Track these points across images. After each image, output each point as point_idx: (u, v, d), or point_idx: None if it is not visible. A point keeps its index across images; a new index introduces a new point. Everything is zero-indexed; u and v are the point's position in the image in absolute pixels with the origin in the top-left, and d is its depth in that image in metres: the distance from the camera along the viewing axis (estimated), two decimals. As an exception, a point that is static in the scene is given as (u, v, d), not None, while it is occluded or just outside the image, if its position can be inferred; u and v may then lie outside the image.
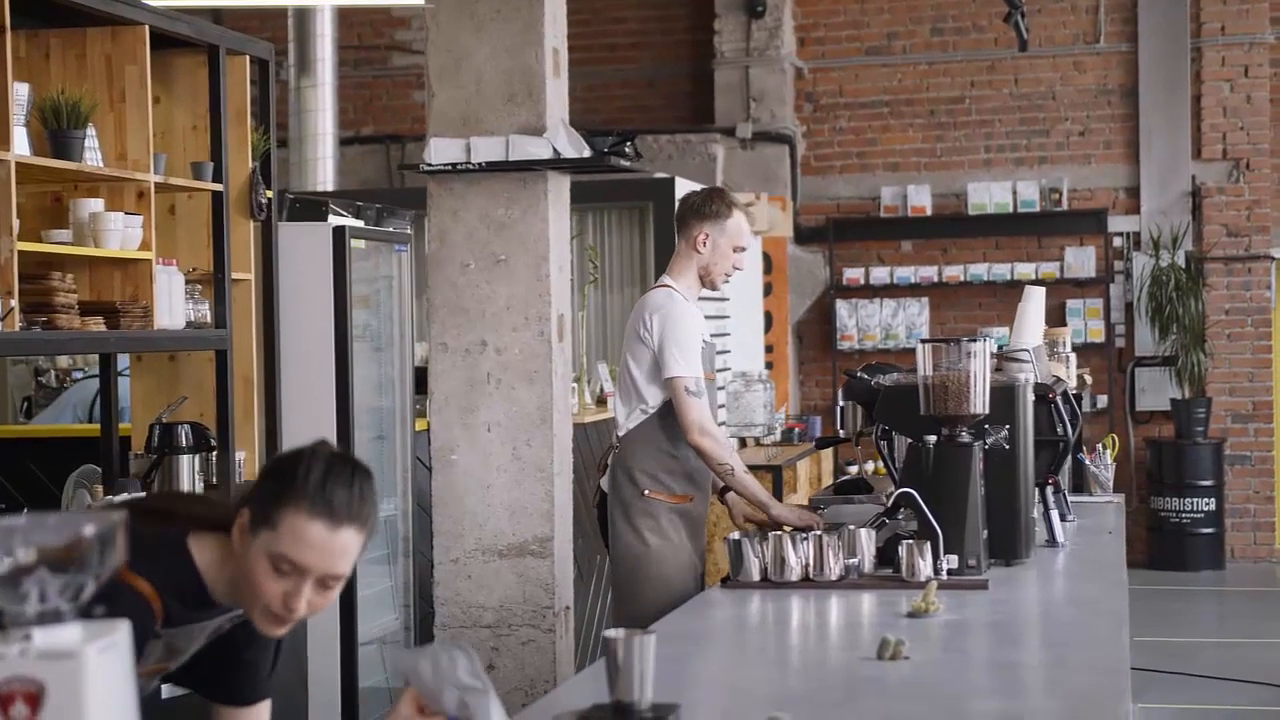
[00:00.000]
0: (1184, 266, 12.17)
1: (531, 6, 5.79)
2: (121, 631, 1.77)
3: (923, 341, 4.41)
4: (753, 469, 8.93)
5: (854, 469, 12.13)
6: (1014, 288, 12.37)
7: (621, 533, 5.17)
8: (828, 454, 11.01)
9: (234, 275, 5.61)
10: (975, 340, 4.38)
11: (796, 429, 10.78)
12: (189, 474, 5.29)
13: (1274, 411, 12.49)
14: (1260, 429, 12.42)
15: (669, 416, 5.14)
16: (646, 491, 5.15)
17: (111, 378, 5.51)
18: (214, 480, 5.48)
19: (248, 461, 5.73)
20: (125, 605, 2.44)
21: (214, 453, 5.46)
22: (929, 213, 12.69)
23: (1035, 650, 3.60)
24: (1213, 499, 12.07)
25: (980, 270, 12.57)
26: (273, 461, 2.69)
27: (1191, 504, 12.05)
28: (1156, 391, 12.39)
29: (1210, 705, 8.13)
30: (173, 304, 5.17)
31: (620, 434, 5.25)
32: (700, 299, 8.12)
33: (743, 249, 5.28)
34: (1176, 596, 11.33)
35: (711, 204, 5.25)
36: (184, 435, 5.30)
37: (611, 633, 2.71)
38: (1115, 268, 12.51)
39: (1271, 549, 12.45)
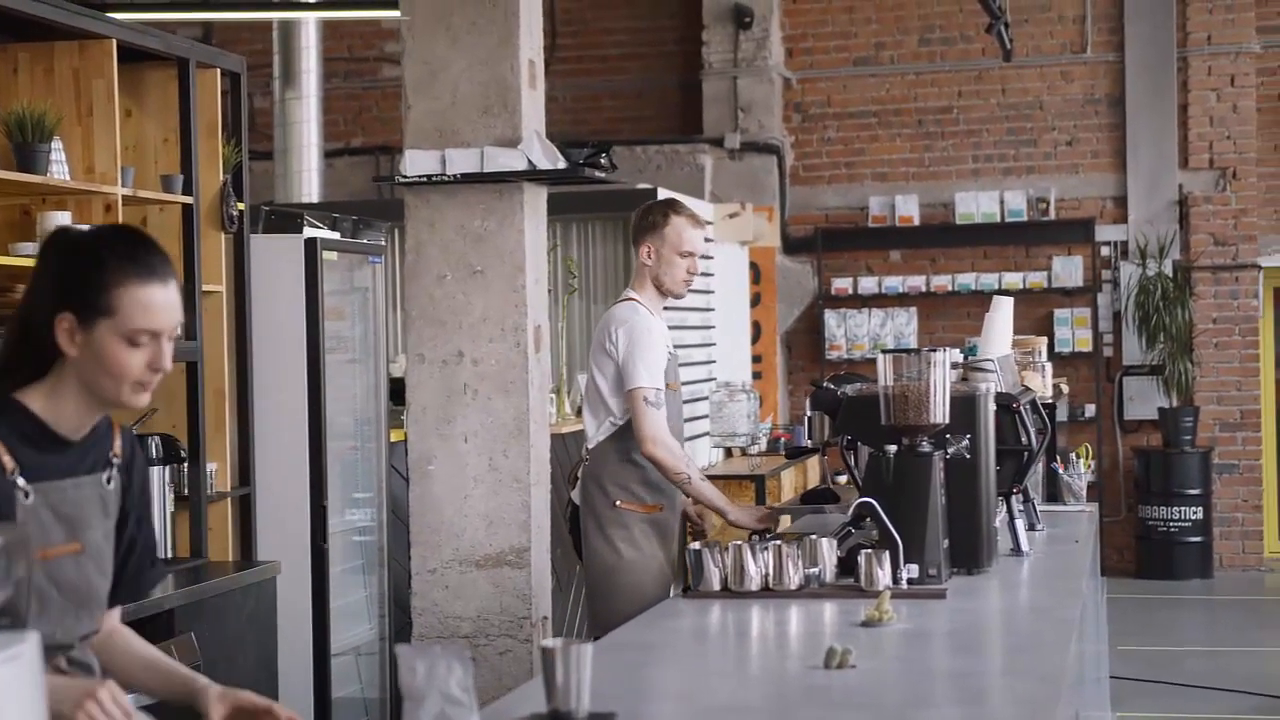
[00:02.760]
0: (1171, 276, 12.19)
1: (507, 19, 5.81)
2: (29, 643, 1.79)
3: (884, 351, 4.43)
4: (736, 479, 9.02)
5: (843, 479, 12.14)
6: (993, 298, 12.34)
7: (594, 544, 5.24)
8: (814, 463, 11.02)
9: (205, 287, 5.63)
10: (935, 350, 4.39)
11: (783, 439, 10.79)
12: (159, 485, 5.31)
13: (1261, 420, 12.50)
14: (1248, 438, 12.43)
15: None
16: (618, 503, 5.23)
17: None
18: (185, 492, 5.50)
19: (219, 473, 5.75)
20: None
21: (184, 464, 5.47)
22: (917, 222, 12.71)
23: (981, 659, 3.61)
24: (1200, 508, 12.07)
25: (968, 280, 12.59)
26: (59, 261, 2.69)
27: (1179, 513, 12.05)
28: (1144, 400, 12.40)
29: (1195, 714, 8.13)
30: (142, 316, 5.18)
31: (590, 446, 5.33)
32: (681, 308, 8.16)
33: (689, 254, 5.34)
34: (1164, 605, 11.33)
35: (649, 216, 5.37)
36: (154, 447, 5.31)
37: (548, 643, 2.73)
38: (1103, 277, 12.53)
39: (1259, 557, 12.46)
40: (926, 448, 4.38)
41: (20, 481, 2.61)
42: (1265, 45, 12.46)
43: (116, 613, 2.92)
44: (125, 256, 2.65)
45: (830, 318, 12.77)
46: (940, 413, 4.36)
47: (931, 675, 3.38)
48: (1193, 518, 12.05)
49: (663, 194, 9.77)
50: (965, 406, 4.51)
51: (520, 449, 5.85)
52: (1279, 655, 9.81)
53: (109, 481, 2.77)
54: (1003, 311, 5.46)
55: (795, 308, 12.88)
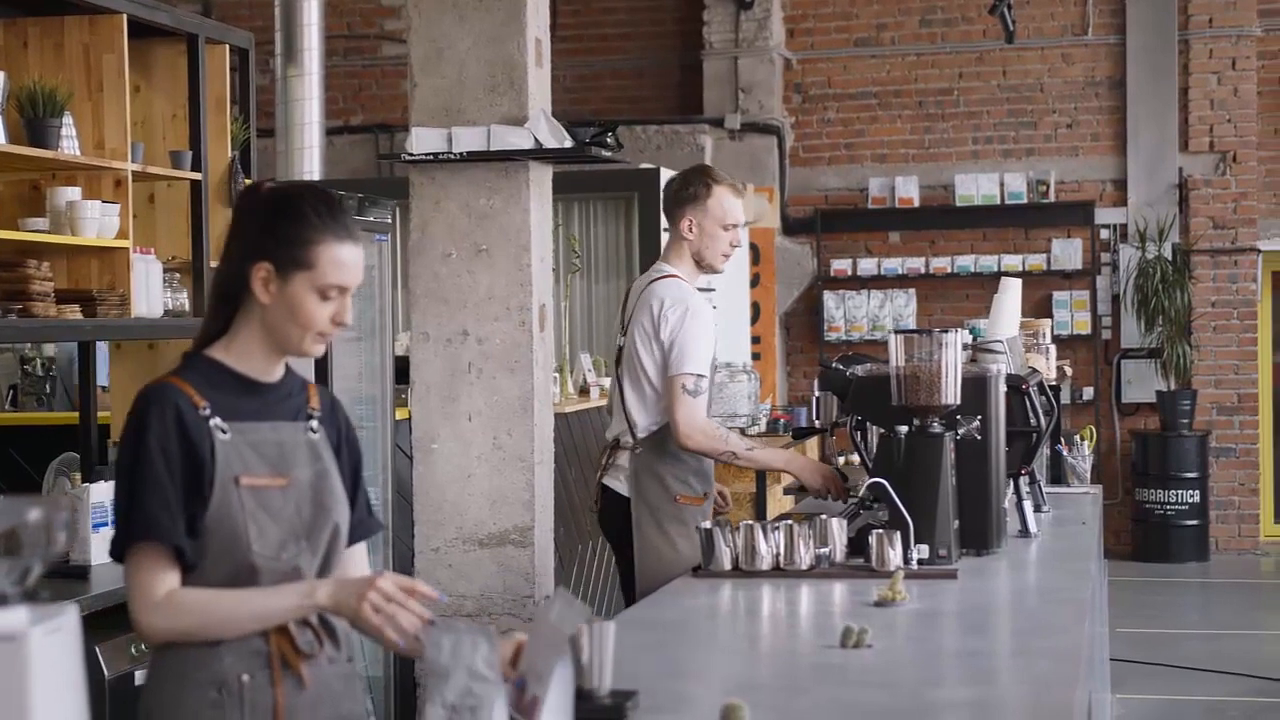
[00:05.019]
0: (1170, 259, 12.20)
1: (515, -3, 5.80)
2: (69, 615, 1.79)
3: (895, 332, 4.42)
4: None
5: (841, 460, 12.16)
6: (1000, 280, 12.36)
7: (651, 538, 5.02)
8: (814, 444, 11.04)
9: (213, 264, 5.62)
10: (947, 331, 4.39)
11: (783, 420, 10.79)
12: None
13: (1259, 404, 12.52)
14: (1245, 421, 12.45)
15: None
16: (678, 497, 5.04)
17: (90, 365, 5.52)
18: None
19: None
20: (149, 392, 2.78)
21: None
22: (916, 204, 12.71)
23: (996, 639, 3.62)
24: (1197, 491, 12.10)
25: (967, 262, 12.59)
26: (260, 214, 2.84)
27: (1176, 496, 12.08)
28: (1142, 383, 12.42)
29: (1192, 696, 8.16)
30: (150, 292, 5.18)
31: (639, 435, 5.09)
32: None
33: (733, 225, 5.12)
34: (1160, 588, 11.37)
35: (689, 186, 5.13)
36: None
37: (571, 620, 2.73)
38: (1102, 260, 12.54)
39: (1255, 541, 12.49)
40: (938, 429, 4.37)
41: (216, 420, 2.77)
42: (1266, 28, 12.46)
43: (357, 557, 3.03)
44: (327, 215, 2.81)
45: (829, 299, 12.77)
46: (952, 394, 4.35)
47: (948, 655, 3.39)
48: (1190, 501, 12.08)
49: (669, 175, 9.77)
50: (976, 387, 4.50)
51: (525, 428, 5.85)
52: (1275, 638, 9.85)
53: (313, 431, 2.90)
54: (1011, 293, 5.46)
55: (794, 289, 12.88)
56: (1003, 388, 4.65)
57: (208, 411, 2.77)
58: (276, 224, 2.80)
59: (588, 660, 2.72)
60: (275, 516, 2.80)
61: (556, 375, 7.77)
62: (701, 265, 5.16)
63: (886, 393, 4.43)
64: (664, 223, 9.71)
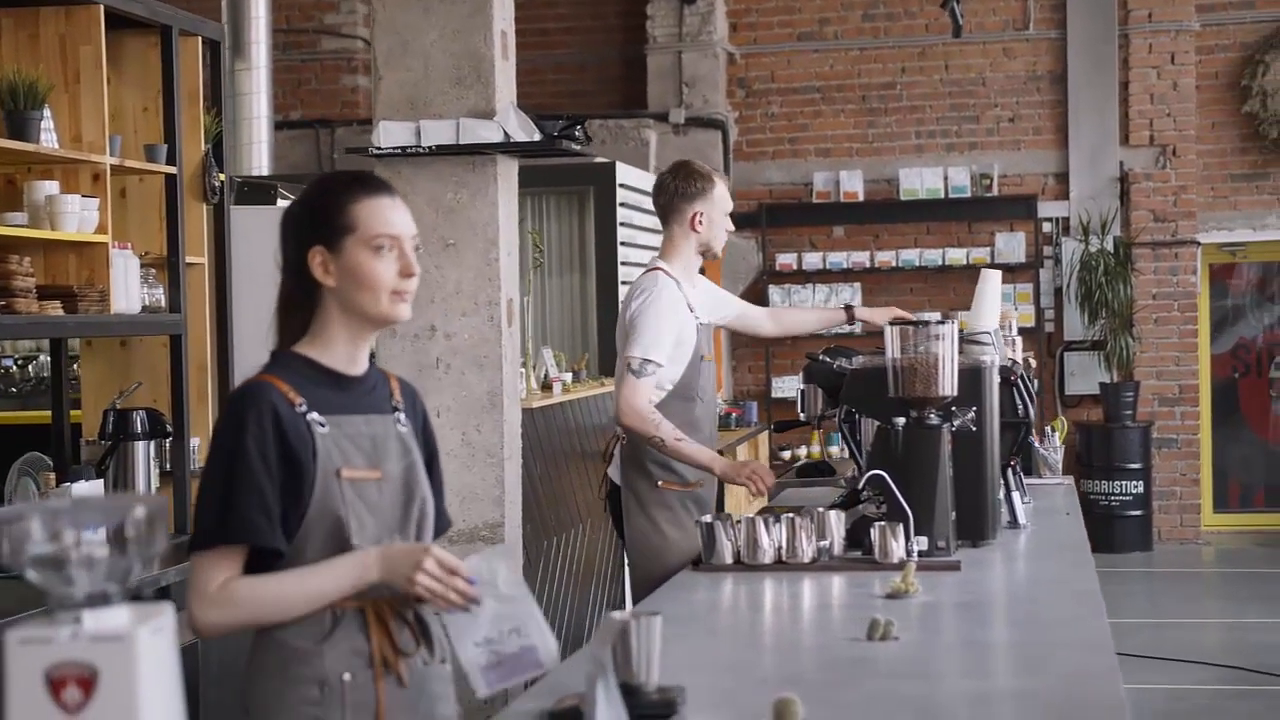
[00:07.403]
0: (1112, 252, 12.30)
1: (479, -11, 5.77)
2: (167, 615, 1.75)
3: (891, 323, 4.42)
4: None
5: (787, 454, 12.20)
6: (945, 273, 12.47)
7: (638, 524, 5.11)
8: (764, 439, 11.05)
9: (187, 259, 5.54)
10: (944, 322, 4.39)
11: (733, 414, 10.81)
12: (144, 460, 5.22)
13: (1200, 395, 12.66)
14: (1186, 412, 12.58)
15: (674, 404, 5.07)
16: (660, 483, 5.11)
17: (63, 362, 5.42)
18: (169, 467, 5.41)
19: (202, 448, 5.66)
20: (245, 392, 2.77)
21: (169, 439, 5.38)
22: (861, 198, 12.75)
23: (1019, 630, 3.61)
24: (1141, 481, 12.21)
25: (912, 255, 12.64)
26: (295, 215, 2.86)
27: (1120, 486, 12.18)
28: (1085, 375, 12.52)
29: (1144, 685, 8.22)
30: (129, 288, 5.10)
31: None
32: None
33: (729, 210, 5.34)
34: (1106, 578, 11.29)
35: (694, 183, 5.23)
36: (139, 421, 5.22)
37: (619, 614, 2.70)
38: (1045, 253, 12.63)
39: (1197, 530, 12.62)
40: (935, 420, 4.37)
41: (313, 415, 2.76)
42: (1204, 23, 12.58)
43: None
44: (351, 181, 2.84)
45: (775, 293, 12.79)
46: (949, 385, 4.36)
47: (977, 646, 3.38)
48: (1134, 491, 12.19)
49: (624, 170, 9.75)
50: (971, 378, 4.51)
51: (494, 423, 5.82)
52: (1222, 626, 9.95)
53: (401, 424, 2.88)
54: (992, 284, 5.46)
55: (739, 283, 12.88)
56: (996, 379, 4.67)
57: (304, 407, 2.76)
58: (312, 210, 2.83)
59: (636, 654, 2.69)
60: (372, 509, 2.79)
61: (522, 370, 7.72)
62: (707, 254, 5.30)
63: (882, 385, 4.42)
64: (621, 217, 9.68)
